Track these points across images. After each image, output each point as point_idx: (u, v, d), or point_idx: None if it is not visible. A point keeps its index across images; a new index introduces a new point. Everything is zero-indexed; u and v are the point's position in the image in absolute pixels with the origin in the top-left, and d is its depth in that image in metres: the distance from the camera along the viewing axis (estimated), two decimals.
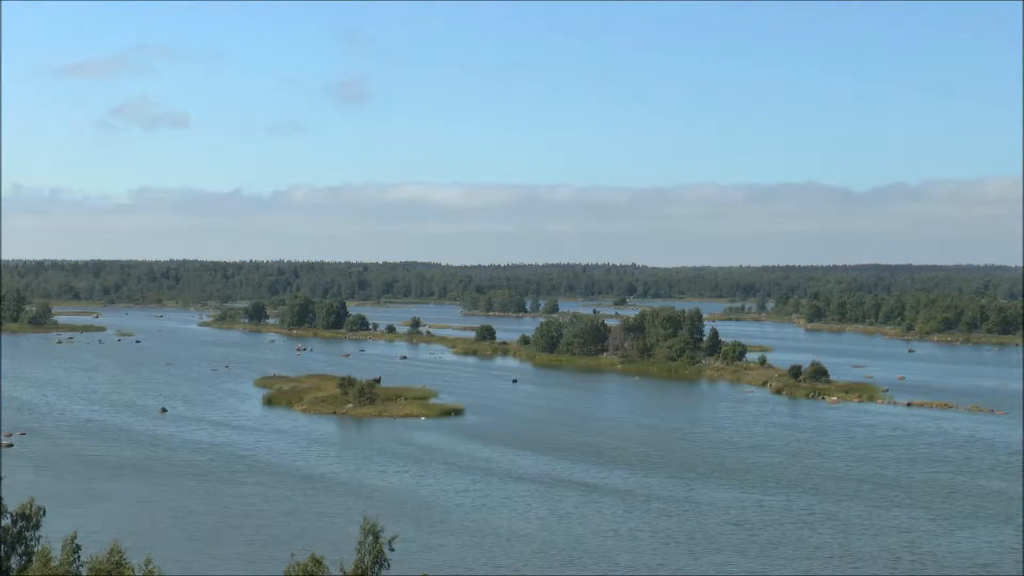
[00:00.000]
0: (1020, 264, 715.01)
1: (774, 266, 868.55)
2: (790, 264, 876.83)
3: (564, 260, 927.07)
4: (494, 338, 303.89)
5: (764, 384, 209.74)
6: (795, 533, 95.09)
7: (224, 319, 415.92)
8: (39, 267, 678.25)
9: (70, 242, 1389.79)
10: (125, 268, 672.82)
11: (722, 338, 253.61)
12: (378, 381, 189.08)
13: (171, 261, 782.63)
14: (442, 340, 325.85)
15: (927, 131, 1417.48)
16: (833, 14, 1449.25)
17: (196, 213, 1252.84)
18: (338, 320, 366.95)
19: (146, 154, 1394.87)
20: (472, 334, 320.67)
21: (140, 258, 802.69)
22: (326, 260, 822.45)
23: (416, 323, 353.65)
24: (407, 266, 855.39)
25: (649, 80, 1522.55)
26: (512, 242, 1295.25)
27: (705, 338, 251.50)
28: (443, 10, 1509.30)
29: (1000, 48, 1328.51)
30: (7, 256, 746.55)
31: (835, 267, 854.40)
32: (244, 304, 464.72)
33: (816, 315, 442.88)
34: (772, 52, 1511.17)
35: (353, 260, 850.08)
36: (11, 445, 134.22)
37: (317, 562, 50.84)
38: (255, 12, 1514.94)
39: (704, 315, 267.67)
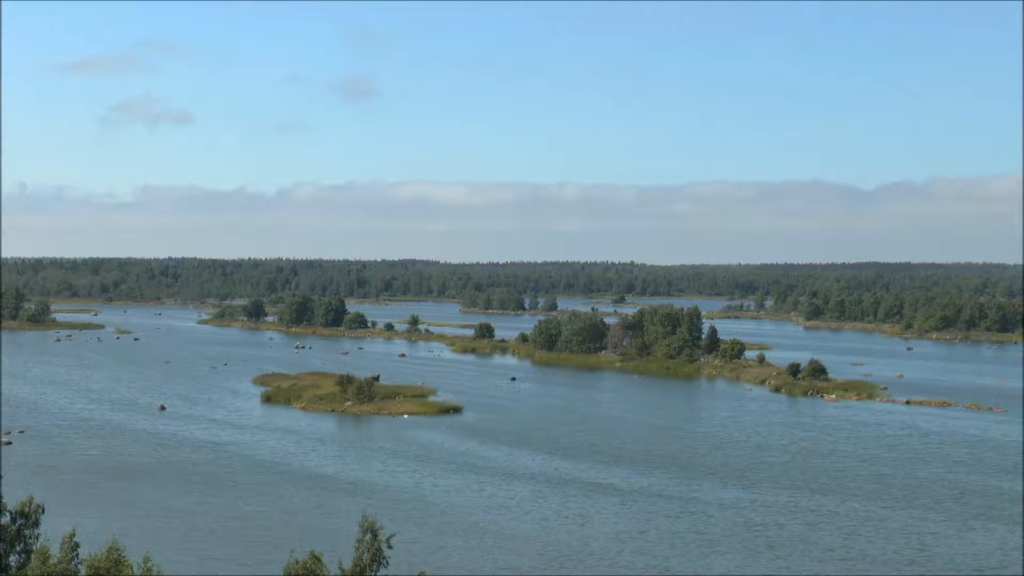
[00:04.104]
0: (1019, 262, 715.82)
1: (773, 264, 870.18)
2: (789, 262, 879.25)
3: (567, 258, 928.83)
4: (493, 336, 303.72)
5: (763, 382, 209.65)
6: (803, 534, 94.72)
7: (223, 317, 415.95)
8: (38, 265, 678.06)
9: (74, 240, 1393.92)
10: (124, 266, 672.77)
11: (721, 336, 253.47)
12: (377, 379, 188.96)
13: (173, 259, 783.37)
14: (441, 338, 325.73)
15: (935, 128, 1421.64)
16: (841, 12, 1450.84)
17: (200, 211, 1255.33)
18: (337, 318, 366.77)
19: (150, 152, 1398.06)
20: (471, 332, 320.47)
21: (143, 256, 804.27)
22: (328, 258, 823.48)
23: (415, 321, 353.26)
24: (406, 264, 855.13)
25: (656, 78, 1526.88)
26: (514, 240, 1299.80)
27: (704, 336, 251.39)
28: (449, 8, 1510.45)
29: (1010, 45, 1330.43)
30: (12, 254, 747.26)
31: (834, 265, 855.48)
32: (243, 302, 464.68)
33: (815, 313, 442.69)
34: (781, 50, 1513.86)
35: (356, 258, 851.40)
36: (9, 443, 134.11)
37: (316, 560, 50.83)
38: (260, 9, 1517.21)
39: (703, 313, 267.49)
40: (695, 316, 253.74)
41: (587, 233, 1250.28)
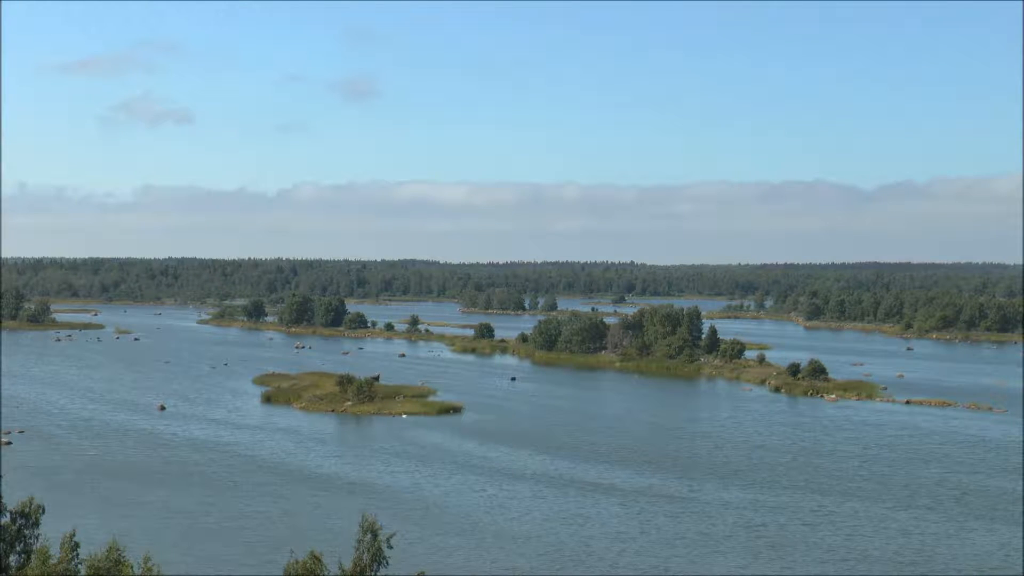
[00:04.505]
0: (1019, 262, 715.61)
1: (773, 264, 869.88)
2: (789, 262, 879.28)
3: (567, 258, 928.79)
4: (493, 336, 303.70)
5: (763, 382, 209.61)
6: (804, 534, 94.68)
7: (223, 317, 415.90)
8: (38, 265, 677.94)
9: (74, 240, 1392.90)
10: (124, 266, 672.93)
11: (721, 336, 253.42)
12: (377, 379, 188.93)
13: (173, 259, 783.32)
14: (441, 338, 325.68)
15: (935, 128, 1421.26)
16: (841, 12, 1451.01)
17: (200, 211, 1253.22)
18: (337, 318, 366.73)
19: (150, 152, 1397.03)
20: (471, 332, 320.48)
21: (143, 256, 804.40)
22: (328, 258, 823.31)
23: (415, 321, 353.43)
24: (406, 264, 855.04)
25: (657, 78, 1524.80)
26: (514, 240, 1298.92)
27: (704, 336, 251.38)
28: (450, 8, 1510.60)
29: (1010, 46, 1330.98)
30: (12, 254, 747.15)
31: (834, 265, 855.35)
32: (243, 302, 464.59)
33: (815, 313, 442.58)
34: (781, 50, 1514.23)
35: (356, 258, 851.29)
36: (9, 443, 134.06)
37: (316, 559, 50.85)
38: (261, 9, 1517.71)
39: (703, 313, 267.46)
40: (695, 316, 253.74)
41: (587, 233, 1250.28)
